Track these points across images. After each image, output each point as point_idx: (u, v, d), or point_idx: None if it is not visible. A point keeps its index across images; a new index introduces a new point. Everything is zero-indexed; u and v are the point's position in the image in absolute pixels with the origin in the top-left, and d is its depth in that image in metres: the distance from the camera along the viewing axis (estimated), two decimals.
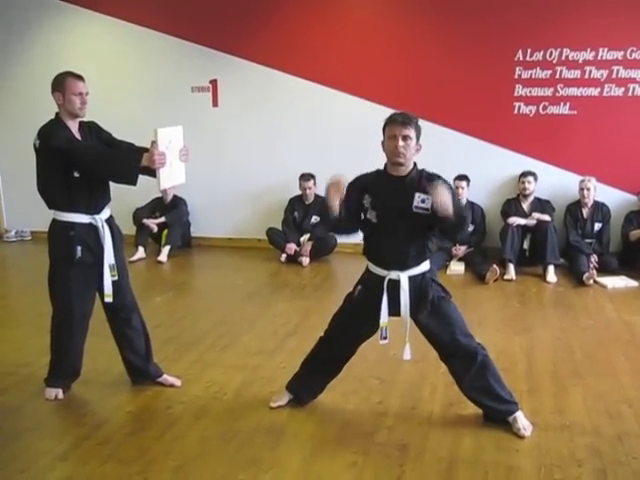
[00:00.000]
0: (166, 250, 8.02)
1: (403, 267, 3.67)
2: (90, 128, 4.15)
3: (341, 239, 7.82)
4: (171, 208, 8.33)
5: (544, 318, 5.87)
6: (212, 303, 6.36)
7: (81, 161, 3.90)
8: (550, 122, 7.59)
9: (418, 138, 3.61)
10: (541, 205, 7.46)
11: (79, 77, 4.02)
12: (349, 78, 7.96)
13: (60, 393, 4.34)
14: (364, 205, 3.70)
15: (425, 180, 3.60)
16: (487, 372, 3.76)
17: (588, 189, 7.26)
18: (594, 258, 7.11)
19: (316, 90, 8.07)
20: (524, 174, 7.48)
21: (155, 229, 8.22)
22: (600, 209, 7.37)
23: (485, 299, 6.39)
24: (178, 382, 4.47)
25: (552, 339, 5.29)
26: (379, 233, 3.69)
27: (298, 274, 7.41)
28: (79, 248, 4.01)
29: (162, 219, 8.26)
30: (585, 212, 7.37)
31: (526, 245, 7.35)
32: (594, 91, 7.44)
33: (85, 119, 4.14)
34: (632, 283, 6.76)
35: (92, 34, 8.69)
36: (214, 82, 8.44)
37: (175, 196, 8.34)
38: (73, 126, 4.04)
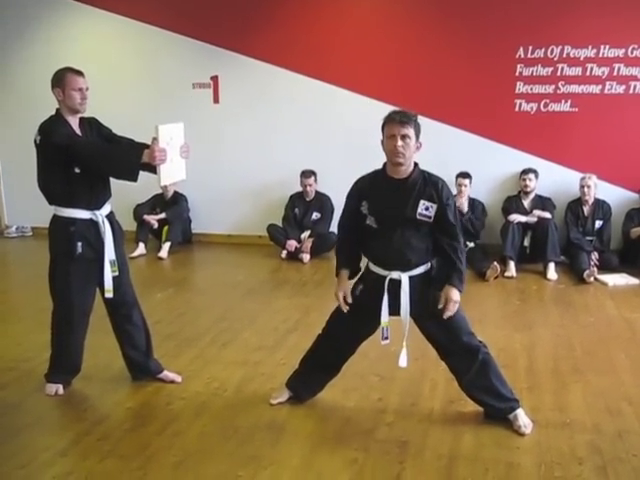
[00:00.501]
0: (167, 246, 8.02)
1: (405, 268, 3.66)
2: (90, 124, 4.15)
3: None
4: (172, 204, 8.33)
5: (545, 315, 5.87)
6: (212, 299, 6.36)
7: (81, 157, 3.89)
8: (551, 119, 7.58)
9: (418, 136, 3.57)
10: (542, 202, 7.45)
11: (79, 73, 4.02)
12: (350, 75, 7.96)
13: (60, 389, 4.35)
14: (362, 212, 3.69)
15: (429, 185, 3.57)
16: (488, 370, 3.76)
17: (589, 186, 7.26)
18: (595, 256, 7.11)
19: (317, 87, 8.07)
20: (525, 171, 7.48)
21: (156, 225, 8.21)
22: (601, 207, 7.37)
23: (486, 296, 6.39)
24: (178, 378, 4.47)
25: (552, 336, 5.29)
26: (379, 237, 3.66)
27: (298, 271, 7.41)
28: (80, 244, 4.00)
29: (163, 215, 8.25)
30: (586, 209, 7.36)
31: (527, 242, 7.34)
32: (595, 88, 7.43)
33: (85, 115, 4.13)
34: (633, 281, 6.76)
35: (92, 30, 8.69)
36: (215, 78, 8.43)
37: (176, 192, 8.34)
38: (73, 122, 4.03)
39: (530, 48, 7.49)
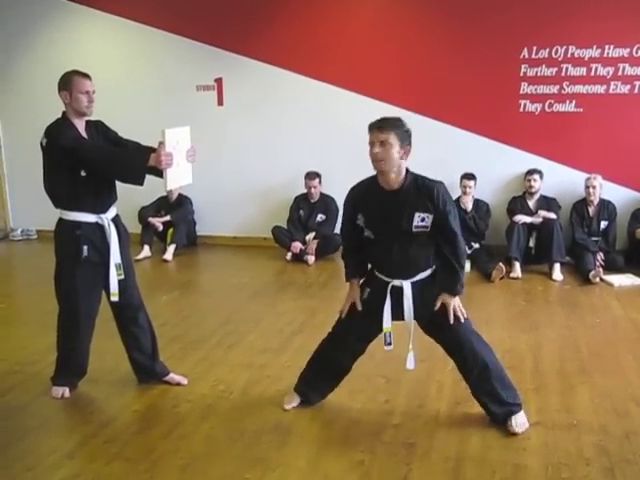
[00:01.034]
0: (171, 249, 8.02)
1: (406, 277, 3.66)
2: (97, 127, 4.15)
3: None
4: (176, 207, 8.33)
5: (550, 316, 5.86)
6: (218, 302, 6.36)
7: (87, 160, 3.90)
8: (556, 120, 7.57)
9: (403, 142, 3.49)
10: (547, 203, 7.44)
11: (86, 75, 4.02)
12: (354, 76, 7.96)
13: (66, 391, 4.35)
14: (359, 225, 3.69)
15: (423, 195, 3.52)
16: (490, 375, 3.74)
17: (594, 187, 7.24)
18: (600, 256, 7.09)
19: (321, 88, 8.07)
20: (530, 172, 7.46)
21: (160, 228, 8.22)
22: (606, 207, 7.35)
23: (491, 297, 6.38)
24: (184, 381, 4.47)
25: (558, 337, 5.28)
26: (379, 247, 3.66)
27: (304, 273, 7.41)
28: (85, 247, 4.01)
29: (167, 218, 8.26)
30: (591, 210, 7.34)
31: (532, 243, 7.33)
32: (600, 89, 7.42)
33: (91, 118, 4.14)
34: (639, 281, 6.74)
35: (96, 33, 8.70)
36: (219, 81, 8.44)
37: (180, 195, 8.34)
38: (80, 125, 4.04)
39: (534, 48, 7.48)
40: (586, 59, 7.38)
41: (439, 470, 3.41)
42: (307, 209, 8.01)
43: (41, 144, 3.97)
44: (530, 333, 5.35)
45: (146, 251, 8.04)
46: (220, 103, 8.49)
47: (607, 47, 7.30)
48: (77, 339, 4.28)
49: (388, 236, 3.61)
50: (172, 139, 3.80)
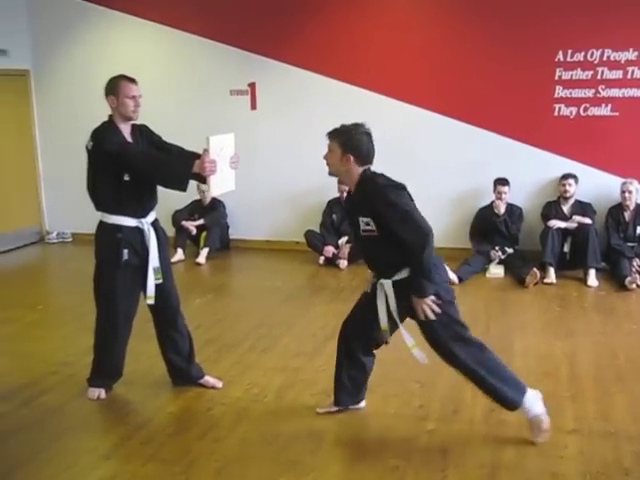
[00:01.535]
0: (205, 252, 8.07)
1: (383, 276, 3.67)
2: (142, 131, 4.20)
3: None
4: (210, 210, 8.37)
5: (586, 323, 5.80)
6: (251, 305, 6.39)
7: (132, 165, 3.94)
8: (591, 124, 7.49)
9: (344, 149, 3.63)
10: (582, 208, 7.36)
11: (132, 80, 4.07)
12: (386, 80, 7.94)
13: (102, 393, 4.40)
14: None
15: (364, 199, 3.57)
16: (480, 379, 3.68)
17: (630, 192, 7.16)
18: (636, 262, 6.98)
19: (353, 92, 8.06)
20: (565, 176, 7.40)
21: (194, 231, 8.26)
22: None
23: (525, 303, 6.34)
24: (219, 384, 4.50)
25: (594, 344, 5.22)
26: (357, 247, 3.76)
27: (336, 277, 7.41)
28: (126, 251, 4.06)
29: (201, 221, 8.30)
30: (627, 215, 7.25)
31: (567, 248, 7.25)
32: (636, 92, 7.33)
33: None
34: None
35: (130, 38, 8.79)
36: (252, 85, 8.47)
37: (214, 198, 8.37)
38: (125, 129, 4.09)
39: (569, 52, 7.41)
40: (622, 62, 7.31)
41: (474, 477, 3.40)
42: (340, 213, 8.00)
43: (87, 147, 4.03)
44: (565, 340, 5.30)
45: (179, 254, 8.09)
46: (253, 107, 8.52)
47: None
48: (114, 341, 4.34)
49: (356, 237, 3.78)
50: (216, 146, 3.84)
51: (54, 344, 5.46)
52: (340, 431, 3.88)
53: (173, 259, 7.84)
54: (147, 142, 4.20)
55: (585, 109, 7.50)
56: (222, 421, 4.04)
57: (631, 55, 7.27)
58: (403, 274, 3.60)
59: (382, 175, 3.64)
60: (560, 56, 7.45)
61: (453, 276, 6.69)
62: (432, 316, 3.53)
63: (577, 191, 7.39)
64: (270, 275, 7.50)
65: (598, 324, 5.71)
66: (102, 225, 4.15)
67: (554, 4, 7.37)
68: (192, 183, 4.05)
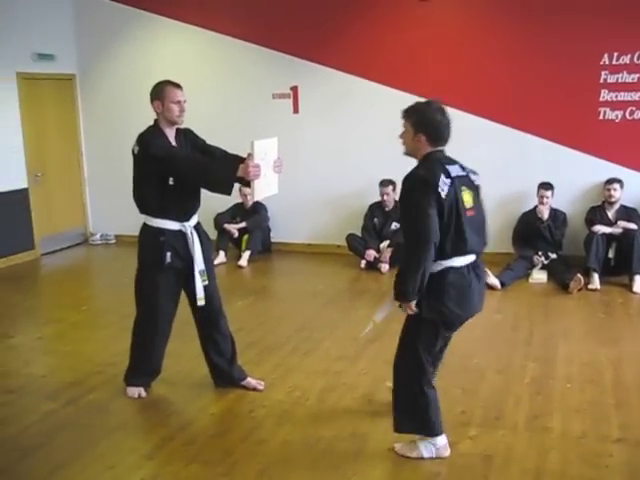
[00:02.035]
0: (246, 255, 8.12)
1: None
2: (186, 135, 4.26)
3: None
4: (252, 213, 8.42)
5: (631, 329, 5.72)
6: (292, 308, 6.41)
7: (178, 169, 3.99)
8: (637, 127, 7.38)
9: (416, 128, 3.51)
10: (627, 213, 7.25)
11: (177, 85, 4.13)
12: (429, 84, 7.89)
13: (142, 392, 4.47)
14: None
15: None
16: (395, 396, 3.67)
17: None
18: None
19: (395, 95, 8.03)
20: (610, 181, 7.29)
21: (236, 234, 8.31)
22: None
23: (569, 309, 6.25)
24: (261, 386, 4.53)
25: None
26: None
27: (377, 281, 7.40)
28: (169, 254, 4.10)
29: (243, 224, 8.35)
30: None
31: (611, 254, 7.14)
32: None
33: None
34: None
35: (174, 42, 8.89)
36: (295, 89, 8.51)
37: (256, 202, 8.40)
38: (170, 133, 4.15)
39: (615, 55, 7.31)
40: None
41: None
42: (381, 217, 8.00)
43: (133, 151, 4.09)
44: (610, 346, 5.22)
45: (221, 257, 8.14)
46: (296, 111, 8.56)
47: None
48: (154, 342, 4.40)
49: None
50: (260, 150, 3.86)
51: (98, 344, 5.54)
52: (382, 435, 3.86)
53: (215, 262, 7.90)
54: (191, 146, 4.24)
55: (631, 112, 7.38)
56: (264, 423, 4.07)
57: None
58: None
59: (436, 163, 3.43)
60: (605, 59, 7.36)
61: (495, 281, 6.65)
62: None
63: (622, 196, 7.28)
64: (311, 278, 7.52)
65: None
66: (145, 228, 4.20)
67: (599, 7, 7.27)
68: (235, 186, 4.08)
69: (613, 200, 7.25)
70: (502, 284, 6.77)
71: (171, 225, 4.12)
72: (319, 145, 8.49)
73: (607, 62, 7.37)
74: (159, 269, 4.13)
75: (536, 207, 7.36)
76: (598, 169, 7.50)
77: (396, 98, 8.03)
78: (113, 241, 9.61)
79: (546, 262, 7.22)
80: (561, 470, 3.47)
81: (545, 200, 7.27)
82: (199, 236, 4.24)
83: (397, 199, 7.77)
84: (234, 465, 3.61)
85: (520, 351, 4.98)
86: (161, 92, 4.08)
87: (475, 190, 3.52)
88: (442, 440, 3.63)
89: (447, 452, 3.63)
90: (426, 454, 3.61)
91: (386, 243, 7.82)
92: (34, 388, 4.68)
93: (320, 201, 8.58)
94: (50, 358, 5.43)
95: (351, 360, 5.00)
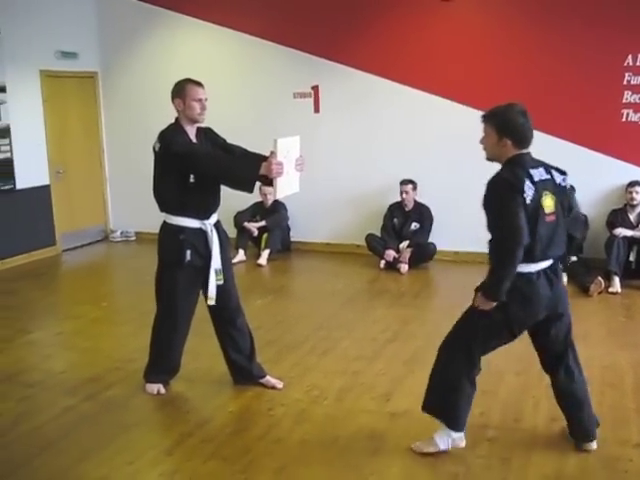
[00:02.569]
0: (266, 254, 8.13)
1: None
2: (206, 134, 4.27)
3: (440, 246, 7.81)
4: (271, 212, 8.43)
5: None
6: (311, 307, 6.42)
7: (200, 167, 4.00)
8: None
9: (500, 133, 3.45)
10: None
11: (199, 84, 4.13)
12: (451, 84, 7.89)
13: (161, 388, 4.49)
14: None
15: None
16: (431, 382, 3.69)
17: None
18: None
19: (416, 95, 8.04)
20: (632, 184, 7.23)
21: (255, 233, 8.33)
22: None
23: (589, 312, 6.20)
24: (280, 384, 4.53)
25: None
26: None
27: (397, 281, 7.39)
28: (188, 252, 4.12)
29: (262, 223, 8.36)
30: None
31: (632, 257, 7.07)
32: None
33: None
34: None
35: (195, 41, 8.93)
36: (316, 88, 8.51)
37: (275, 200, 8.40)
38: (191, 131, 4.16)
39: (639, 56, 7.26)
40: None
41: None
42: (401, 217, 7.98)
43: (154, 149, 4.10)
44: (631, 350, 5.18)
45: (241, 255, 8.17)
46: (316, 110, 8.56)
47: None
48: (173, 339, 4.42)
49: None
50: (283, 148, 3.86)
51: (118, 341, 5.58)
52: (400, 435, 3.87)
53: (234, 260, 7.90)
54: (211, 144, 4.25)
55: None
56: (282, 422, 4.07)
57: None
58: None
59: (520, 168, 3.40)
60: (629, 60, 7.30)
61: None
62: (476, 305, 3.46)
63: None
64: (330, 278, 7.52)
65: None
66: (165, 226, 4.22)
67: (623, 8, 7.22)
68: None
69: (635, 203, 7.19)
70: None
71: (191, 223, 4.13)
72: (339, 144, 8.49)
73: (631, 63, 7.31)
74: (179, 267, 4.14)
75: None
76: (620, 171, 7.45)
77: (416, 98, 8.05)
78: (133, 238, 9.66)
79: (566, 265, 7.17)
80: (580, 474, 3.45)
81: None
82: (218, 234, 4.25)
83: (416, 199, 7.91)
84: (252, 462, 3.62)
85: None
86: (182, 90, 4.09)
87: (559, 193, 3.49)
88: (459, 434, 3.65)
89: (463, 443, 3.66)
90: (442, 446, 3.63)
91: (405, 243, 7.80)
92: (53, 383, 4.72)
93: (340, 201, 8.58)
94: (69, 354, 5.47)
95: (369, 360, 5.00)
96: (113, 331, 5.91)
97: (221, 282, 4.23)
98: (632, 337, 5.53)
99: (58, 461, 3.69)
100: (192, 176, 4.00)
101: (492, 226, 3.41)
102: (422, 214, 7.90)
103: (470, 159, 7.60)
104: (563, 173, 3.55)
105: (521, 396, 4.32)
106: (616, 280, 6.85)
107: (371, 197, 8.37)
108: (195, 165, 3.99)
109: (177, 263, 4.13)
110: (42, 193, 8.63)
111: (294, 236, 8.76)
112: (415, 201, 7.93)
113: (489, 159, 3.54)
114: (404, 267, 7.65)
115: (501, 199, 3.32)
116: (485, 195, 3.39)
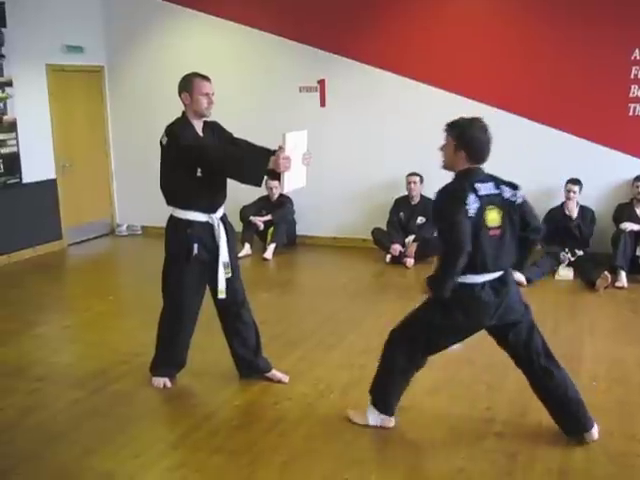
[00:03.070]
0: (272, 248, 8.13)
1: None
2: (213, 128, 4.26)
3: None
4: (277, 206, 8.42)
5: None
6: (317, 301, 6.42)
7: (208, 161, 4.00)
8: None
9: (458, 144, 3.56)
10: None
11: (206, 78, 4.13)
12: (457, 78, 7.87)
13: (167, 382, 4.51)
14: None
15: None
16: (378, 374, 3.92)
17: None
18: None
19: (423, 90, 8.02)
20: (638, 178, 7.21)
21: (261, 227, 8.33)
22: None
23: (595, 307, 6.20)
24: (286, 378, 4.54)
25: None
26: None
27: (402, 275, 7.38)
28: (196, 245, 4.12)
29: (268, 217, 8.36)
30: None
31: (639, 252, 7.07)
32: None
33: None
34: None
35: (201, 35, 8.92)
36: (322, 82, 8.50)
37: (281, 194, 8.41)
38: (198, 125, 4.16)
39: None
40: None
41: None
42: (407, 211, 7.97)
43: (161, 142, 4.10)
44: (637, 345, 5.17)
45: (247, 249, 8.17)
46: (322, 104, 8.55)
47: None
48: (180, 333, 4.43)
49: None
50: (291, 142, 3.86)
51: (124, 334, 5.59)
52: (405, 430, 3.87)
53: (240, 254, 7.92)
54: (218, 139, 4.25)
55: None
56: (288, 416, 4.08)
57: None
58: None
59: (468, 181, 3.47)
60: (637, 54, 7.27)
61: (521, 277, 6.59)
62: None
63: None
64: (336, 272, 7.52)
65: None
66: (172, 220, 4.22)
67: (630, 1, 7.18)
68: None
69: None
70: (528, 280, 6.71)
71: (198, 217, 4.14)
72: (345, 138, 8.47)
73: (638, 57, 7.29)
74: (185, 261, 4.15)
75: (563, 204, 7.30)
76: (627, 166, 7.42)
77: (423, 92, 8.03)
78: (139, 232, 9.67)
79: (573, 259, 7.16)
80: (586, 469, 3.45)
81: (572, 195, 7.19)
82: (225, 228, 4.25)
83: (423, 193, 7.91)
84: (257, 456, 3.63)
85: None
86: (189, 84, 4.09)
87: (507, 208, 3.50)
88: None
89: (391, 424, 3.86)
90: (372, 421, 3.87)
91: (411, 237, 7.79)
92: (60, 376, 4.74)
93: (346, 195, 8.57)
94: (76, 347, 5.50)
95: (376, 354, 4.90)
96: (119, 325, 5.92)
97: (229, 275, 4.23)
98: (639, 332, 5.52)
99: (65, 454, 3.71)
100: (199, 170, 4.00)
101: (439, 232, 3.61)
102: (428, 208, 7.87)
103: None
104: (515, 188, 3.57)
105: (527, 391, 4.27)
106: (623, 275, 6.83)
107: (377, 191, 8.36)
108: (204, 159, 3.98)
109: (184, 257, 4.13)
110: (48, 187, 8.64)
111: (300, 230, 8.74)
112: (421, 195, 7.92)
113: (444, 167, 3.63)
114: (410, 261, 7.64)
115: (446, 209, 3.45)
116: (432, 204, 3.59)
